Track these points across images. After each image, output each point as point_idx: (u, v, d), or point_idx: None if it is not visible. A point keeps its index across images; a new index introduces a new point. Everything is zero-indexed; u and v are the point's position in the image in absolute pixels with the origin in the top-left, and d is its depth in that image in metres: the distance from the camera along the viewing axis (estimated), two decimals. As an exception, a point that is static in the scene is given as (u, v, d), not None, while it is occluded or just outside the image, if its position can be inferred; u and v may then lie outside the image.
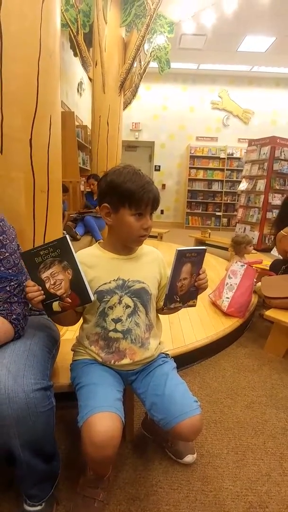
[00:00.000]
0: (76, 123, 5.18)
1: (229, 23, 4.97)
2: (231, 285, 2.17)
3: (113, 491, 1.01)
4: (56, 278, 0.83)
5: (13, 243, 0.91)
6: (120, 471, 1.08)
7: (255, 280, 2.30)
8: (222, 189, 7.79)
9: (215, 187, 7.87)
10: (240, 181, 6.04)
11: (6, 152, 1.22)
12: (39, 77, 1.27)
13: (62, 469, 1.00)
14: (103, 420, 0.81)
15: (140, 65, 4.76)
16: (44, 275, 0.83)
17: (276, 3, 4.48)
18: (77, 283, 0.84)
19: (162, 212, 8.32)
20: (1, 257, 0.86)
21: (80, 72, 5.81)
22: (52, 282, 0.83)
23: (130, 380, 1.03)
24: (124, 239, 0.94)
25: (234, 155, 7.69)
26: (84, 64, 4.36)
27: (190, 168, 7.73)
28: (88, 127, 5.61)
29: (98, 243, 1.02)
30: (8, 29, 1.16)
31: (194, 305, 0.97)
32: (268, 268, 2.52)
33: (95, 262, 0.95)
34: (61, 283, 0.84)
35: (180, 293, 0.93)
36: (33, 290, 0.83)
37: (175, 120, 7.83)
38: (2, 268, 0.86)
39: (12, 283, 0.87)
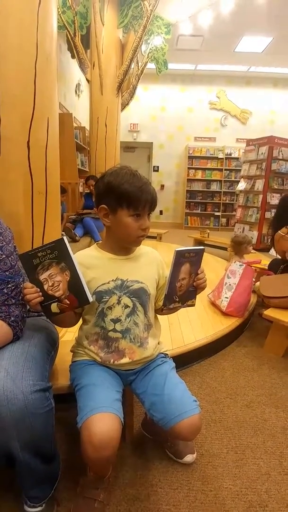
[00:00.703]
0: (74, 125, 5.19)
1: (226, 23, 4.98)
2: (230, 285, 2.17)
3: (113, 492, 1.01)
4: (54, 279, 0.83)
5: (10, 245, 0.91)
6: (120, 472, 1.08)
7: (253, 279, 2.31)
8: (221, 189, 7.79)
9: (214, 187, 7.88)
10: (239, 181, 6.05)
11: (4, 154, 1.23)
12: (36, 80, 1.27)
13: (62, 470, 1.00)
14: (102, 421, 0.82)
15: (138, 66, 4.77)
16: (42, 277, 0.83)
17: (273, 3, 4.49)
18: (75, 285, 0.84)
19: (161, 212, 8.33)
20: None
21: (77, 73, 5.83)
22: (50, 284, 0.84)
23: (130, 380, 1.03)
24: (122, 240, 0.94)
25: (232, 155, 7.70)
26: (82, 65, 4.37)
27: (189, 168, 7.74)
28: (86, 128, 5.62)
29: (97, 244, 1.02)
30: (5, 32, 1.17)
31: (193, 305, 0.98)
32: (266, 267, 2.53)
33: (93, 263, 0.95)
34: (59, 285, 0.84)
35: (179, 293, 0.93)
36: (31, 292, 0.83)
37: (173, 121, 7.84)
38: None
39: (9, 285, 0.87)
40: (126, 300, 0.95)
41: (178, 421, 0.90)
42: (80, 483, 0.98)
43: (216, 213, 7.94)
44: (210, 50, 6.11)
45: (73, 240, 3.65)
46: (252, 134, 6.81)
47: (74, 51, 4.27)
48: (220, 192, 7.81)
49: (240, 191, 5.80)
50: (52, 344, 1.01)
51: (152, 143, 8.00)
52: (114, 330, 0.96)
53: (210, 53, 6.28)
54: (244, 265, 2.21)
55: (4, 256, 0.87)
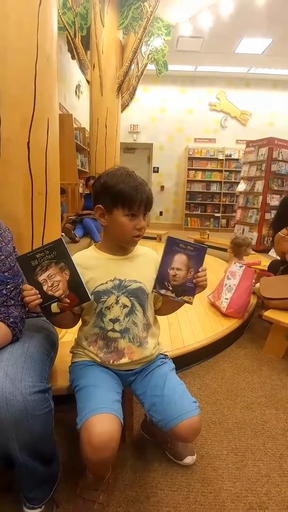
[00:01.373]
0: (74, 126, 5.20)
1: (226, 25, 4.99)
2: (229, 286, 2.17)
3: (113, 493, 1.00)
4: (53, 279, 0.84)
5: (9, 246, 0.91)
6: (119, 473, 1.08)
7: (253, 281, 2.31)
8: (221, 190, 7.80)
9: (214, 188, 7.88)
10: (239, 182, 6.05)
11: (4, 155, 1.23)
12: (37, 80, 1.27)
13: (61, 472, 0.99)
14: (101, 422, 0.81)
15: (138, 68, 4.78)
16: (41, 278, 0.83)
17: (273, 5, 4.51)
18: (74, 283, 0.85)
19: (161, 213, 8.33)
20: None
21: (78, 74, 5.83)
22: (49, 284, 0.84)
23: (129, 381, 1.03)
24: (118, 239, 0.95)
25: (232, 157, 7.70)
26: (82, 66, 4.38)
27: (189, 169, 7.74)
28: (86, 129, 5.62)
29: (95, 244, 1.03)
30: (5, 33, 1.17)
31: (190, 302, 0.96)
32: (266, 269, 2.52)
33: (91, 263, 0.95)
34: (58, 284, 0.84)
35: (173, 282, 0.93)
36: (30, 294, 0.83)
37: (173, 122, 7.85)
38: None
39: (8, 286, 0.86)
40: (124, 300, 0.95)
41: (177, 423, 0.89)
42: (79, 484, 0.98)
43: (216, 214, 7.94)
44: (210, 51, 6.12)
45: (72, 240, 3.66)
46: (252, 135, 6.82)
47: (74, 52, 4.28)
48: (220, 193, 7.81)
49: (240, 192, 5.81)
50: (51, 345, 1.01)
51: (152, 144, 8.00)
52: (113, 330, 0.96)
53: (210, 55, 6.30)
54: (244, 266, 2.21)
55: (3, 257, 0.87)
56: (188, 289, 0.94)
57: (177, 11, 4.65)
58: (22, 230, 1.30)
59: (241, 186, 5.73)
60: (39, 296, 0.84)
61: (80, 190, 5.19)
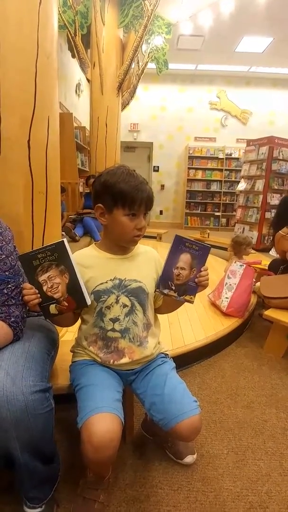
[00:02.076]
0: (75, 125, 5.19)
1: (226, 24, 4.98)
2: (230, 285, 2.17)
3: (113, 493, 1.01)
4: (53, 281, 0.84)
5: (10, 245, 0.90)
6: (120, 472, 1.08)
7: (254, 280, 2.30)
8: (221, 189, 7.79)
9: (214, 187, 7.87)
10: (239, 181, 6.04)
11: (4, 153, 1.22)
12: (37, 79, 1.27)
13: (62, 471, 0.99)
14: (102, 421, 0.81)
15: (138, 66, 4.77)
16: (41, 278, 0.83)
17: (273, 4, 4.49)
18: (73, 287, 0.85)
19: (161, 212, 8.32)
20: None
21: (78, 73, 5.82)
22: (49, 285, 0.84)
23: (130, 380, 1.03)
24: (118, 239, 0.94)
25: (233, 155, 7.69)
26: (82, 65, 4.37)
27: (189, 168, 7.73)
28: (86, 128, 5.62)
29: (95, 243, 1.02)
30: (5, 32, 1.17)
31: (191, 301, 0.96)
32: (267, 268, 2.52)
33: (91, 262, 0.95)
34: (58, 287, 0.84)
35: (176, 281, 0.93)
36: (30, 293, 0.83)
37: (174, 121, 7.84)
38: None
39: (9, 285, 0.86)
40: (124, 299, 0.95)
41: (178, 422, 0.89)
42: (80, 484, 0.98)
43: (216, 213, 7.93)
44: (210, 50, 6.11)
45: (73, 239, 3.65)
46: (253, 134, 6.81)
47: (75, 51, 4.27)
48: (220, 192, 7.80)
49: (240, 191, 5.80)
50: (52, 344, 1.01)
51: (152, 143, 7.99)
52: (113, 329, 0.95)
53: (211, 53, 6.28)
54: (245, 265, 2.20)
55: (4, 256, 0.87)
56: (190, 288, 0.93)
57: (177, 9, 4.63)
58: (23, 228, 1.30)
59: (242, 185, 5.73)
60: (39, 295, 0.84)
61: (81, 189, 5.18)
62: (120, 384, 0.98)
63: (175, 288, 0.93)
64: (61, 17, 3.88)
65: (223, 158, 7.66)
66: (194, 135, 7.90)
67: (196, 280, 0.92)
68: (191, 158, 7.73)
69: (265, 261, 2.89)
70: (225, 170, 7.70)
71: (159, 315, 1.10)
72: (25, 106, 1.25)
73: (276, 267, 2.35)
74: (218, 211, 7.91)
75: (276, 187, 5.18)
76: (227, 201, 7.87)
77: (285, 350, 1.90)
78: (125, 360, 0.97)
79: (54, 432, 0.87)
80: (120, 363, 0.97)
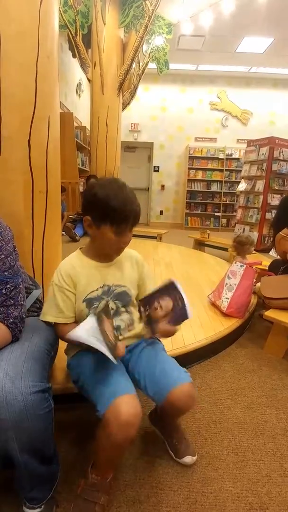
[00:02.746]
0: (75, 124, 5.19)
1: (227, 24, 4.98)
2: (230, 285, 2.17)
3: (113, 494, 1.00)
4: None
5: (9, 245, 0.89)
6: (120, 473, 1.07)
7: (254, 280, 2.30)
8: (221, 189, 7.79)
9: (214, 187, 7.87)
10: (239, 182, 6.04)
11: (4, 153, 1.22)
12: (37, 79, 1.27)
13: (61, 471, 0.99)
14: (127, 401, 0.85)
15: (139, 66, 4.77)
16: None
17: (274, 4, 4.49)
18: None
19: (161, 213, 8.33)
20: None
21: (78, 73, 5.82)
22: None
23: (126, 361, 1.06)
24: (103, 250, 1.01)
25: (233, 156, 7.70)
26: (83, 65, 4.37)
27: (189, 168, 7.74)
28: (87, 128, 5.62)
29: (80, 248, 1.08)
30: (6, 32, 1.17)
31: (146, 335, 1.03)
32: (267, 268, 2.52)
33: (80, 272, 1.01)
34: None
35: (152, 313, 0.99)
36: None
37: (174, 121, 7.84)
38: None
39: (8, 286, 0.86)
40: (112, 304, 1.03)
41: (170, 390, 0.92)
42: (80, 485, 0.97)
43: (217, 214, 7.93)
44: (211, 50, 6.11)
45: (73, 239, 3.66)
46: (253, 134, 6.81)
47: (75, 51, 4.28)
48: (221, 192, 7.81)
49: (241, 192, 5.80)
50: (51, 344, 1.00)
51: (152, 143, 8.00)
52: None
53: (211, 54, 6.28)
54: (245, 265, 2.20)
55: (3, 256, 0.86)
56: (154, 327, 1.00)
57: (178, 9, 4.64)
58: (23, 228, 1.30)
59: (242, 186, 5.73)
60: None
61: (81, 189, 5.18)
62: (121, 365, 1.01)
63: (147, 318, 1.02)
64: (62, 17, 3.89)
65: (223, 159, 7.67)
66: (194, 136, 7.90)
67: (161, 328, 0.98)
68: (191, 158, 7.73)
69: (265, 261, 2.89)
70: (226, 170, 7.71)
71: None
72: (25, 106, 1.25)
73: (277, 268, 2.34)
74: (219, 212, 7.91)
75: (276, 188, 5.18)
76: (228, 202, 7.88)
77: (285, 351, 1.90)
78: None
79: (54, 432, 0.87)
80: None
